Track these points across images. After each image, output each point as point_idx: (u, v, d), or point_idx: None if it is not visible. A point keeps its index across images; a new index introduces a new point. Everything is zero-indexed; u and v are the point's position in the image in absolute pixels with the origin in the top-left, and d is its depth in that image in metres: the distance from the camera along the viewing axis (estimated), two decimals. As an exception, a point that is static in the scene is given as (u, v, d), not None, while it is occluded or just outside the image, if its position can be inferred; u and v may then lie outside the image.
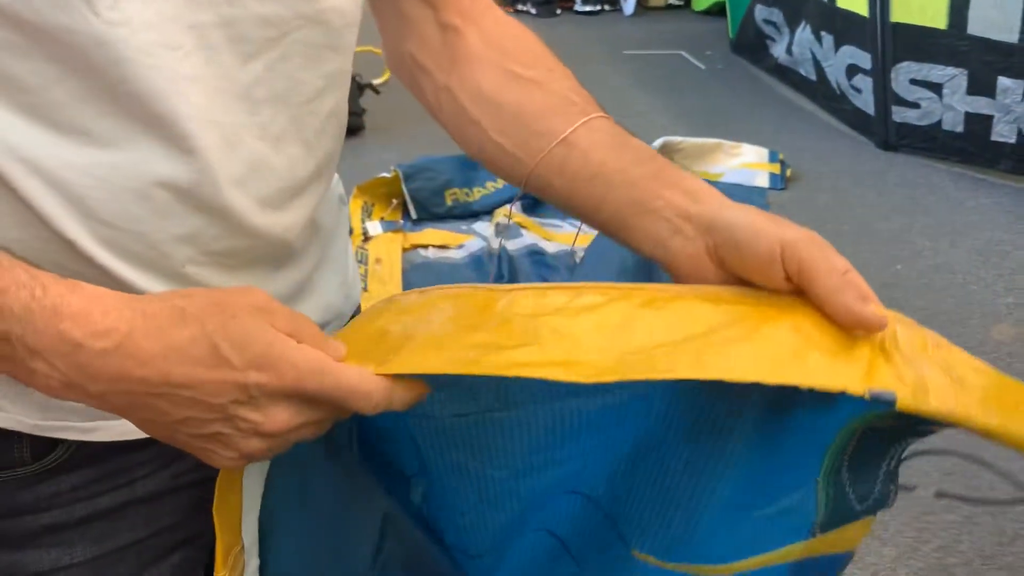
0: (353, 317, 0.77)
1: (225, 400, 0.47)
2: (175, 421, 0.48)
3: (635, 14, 6.59)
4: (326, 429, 0.52)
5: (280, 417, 0.47)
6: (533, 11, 6.48)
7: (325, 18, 0.59)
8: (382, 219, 3.01)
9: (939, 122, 3.59)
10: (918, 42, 3.48)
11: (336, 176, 0.74)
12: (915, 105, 3.62)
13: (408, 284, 2.64)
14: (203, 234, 0.56)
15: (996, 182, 3.55)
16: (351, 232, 2.93)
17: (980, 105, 3.44)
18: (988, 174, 3.58)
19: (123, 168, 0.52)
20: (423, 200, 3.09)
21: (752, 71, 4.94)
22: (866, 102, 3.80)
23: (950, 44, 3.39)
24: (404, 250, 2.82)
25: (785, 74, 4.53)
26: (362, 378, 0.49)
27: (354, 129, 3.90)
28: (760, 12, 4.66)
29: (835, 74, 3.88)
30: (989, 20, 3.25)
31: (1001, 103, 3.37)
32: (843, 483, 0.62)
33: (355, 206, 3.05)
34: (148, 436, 0.62)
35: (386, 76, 4.66)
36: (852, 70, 3.79)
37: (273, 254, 0.63)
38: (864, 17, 3.57)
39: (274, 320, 0.48)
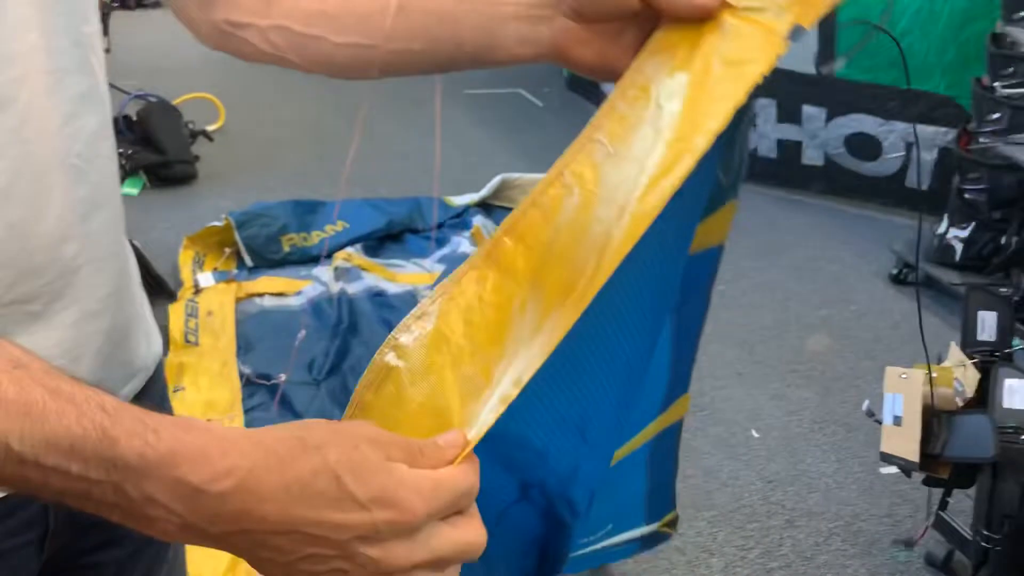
0: (157, 368, 0.76)
1: (349, 537, 0.45)
2: (296, 559, 0.46)
3: (476, 54, 6.72)
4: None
5: (399, 553, 0.46)
6: (374, 53, 6.50)
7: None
8: (215, 269, 2.93)
9: (755, 149, 3.83)
10: (730, 75, 3.71)
11: (126, 243, 0.74)
12: (733, 134, 3.85)
13: (242, 335, 2.57)
14: None
15: (810, 202, 3.81)
16: (181, 284, 2.85)
17: (790, 132, 3.70)
18: (802, 195, 3.84)
19: None
20: (258, 247, 3.03)
21: (587, 107, 5.13)
22: (689, 133, 4.01)
23: (759, 76, 3.63)
24: (238, 300, 2.75)
25: (617, 108, 4.71)
26: (466, 477, 0.49)
27: (186, 178, 3.80)
28: (590, 50, 4.85)
29: (660, 107, 4.08)
30: (790, 53, 3.50)
31: (807, 129, 3.64)
32: (715, 168, 0.69)
33: (185, 257, 2.96)
34: None
35: (220, 123, 4.56)
36: (674, 103, 4.00)
37: (68, 291, 0.62)
38: (681, 53, 3.77)
39: (388, 451, 0.47)
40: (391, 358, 0.53)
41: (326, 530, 0.45)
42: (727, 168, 0.70)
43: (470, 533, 0.49)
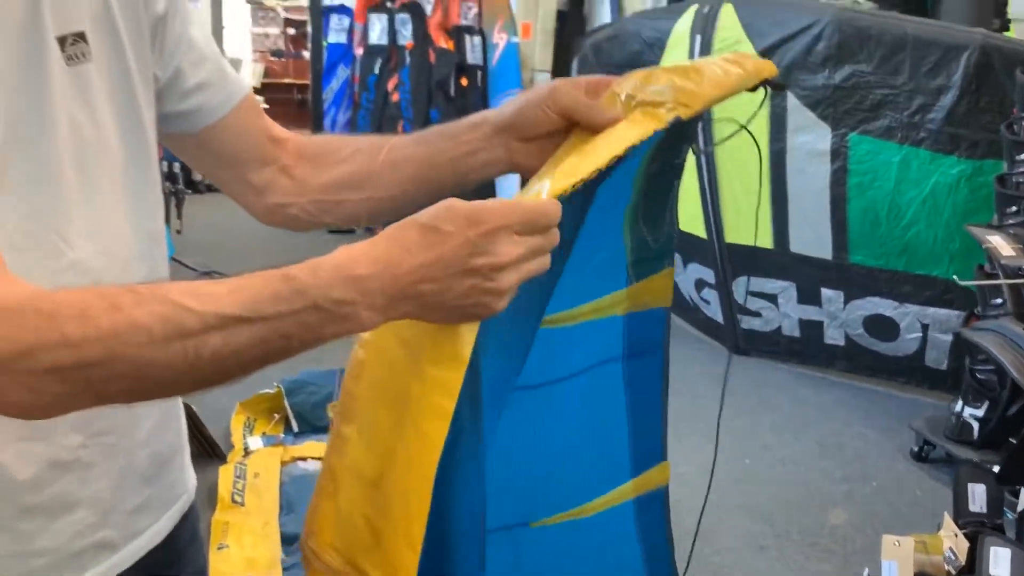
0: (192, 506, 0.94)
1: (463, 256, 0.63)
2: (443, 294, 0.63)
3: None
4: (547, 264, 0.67)
5: (506, 248, 0.63)
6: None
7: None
8: (264, 434, 3.13)
9: (779, 328, 4.01)
10: (751, 259, 3.95)
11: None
12: (757, 314, 4.05)
13: (285, 496, 2.73)
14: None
15: (833, 380, 3.94)
16: (232, 447, 3.04)
17: (810, 312, 3.88)
18: (826, 372, 3.98)
19: None
20: (305, 414, 3.23)
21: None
22: (715, 312, 4.22)
23: (778, 260, 3.86)
24: (284, 463, 2.93)
25: (648, 288, 4.96)
26: (541, 203, 0.68)
27: (243, 348, 4.06)
28: (622, 234, 5.16)
29: (686, 287, 4.32)
30: (806, 240, 3.75)
31: (827, 310, 3.82)
32: (640, 230, 0.86)
33: (237, 422, 3.16)
34: None
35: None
36: (700, 284, 4.23)
37: (123, 423, 0.80)
38: (704, 239, 4.04)
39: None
40: (359, 353, 0.69)
41: (447, 261, 0.63)
42: (655, 232, 0.88)
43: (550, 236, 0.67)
